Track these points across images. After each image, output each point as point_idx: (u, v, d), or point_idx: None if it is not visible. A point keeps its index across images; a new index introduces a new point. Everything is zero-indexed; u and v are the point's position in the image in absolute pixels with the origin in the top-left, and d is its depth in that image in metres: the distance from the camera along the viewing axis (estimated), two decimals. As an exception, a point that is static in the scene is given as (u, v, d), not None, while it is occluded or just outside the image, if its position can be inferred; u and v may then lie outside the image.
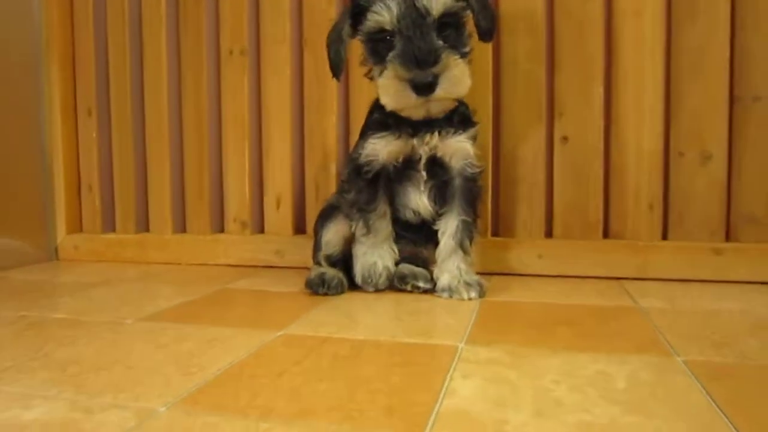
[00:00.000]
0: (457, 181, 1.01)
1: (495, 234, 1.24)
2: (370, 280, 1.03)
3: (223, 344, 0.76)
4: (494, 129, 1.22)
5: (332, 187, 1.28)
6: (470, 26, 0.97)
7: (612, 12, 1.15)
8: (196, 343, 0.76)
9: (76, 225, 1.55)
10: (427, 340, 0.76)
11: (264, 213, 1.38)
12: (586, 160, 1.17)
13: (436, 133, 0.98)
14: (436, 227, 1.02)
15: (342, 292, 1.04)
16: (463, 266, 1.00)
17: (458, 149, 0.99)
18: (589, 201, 1.17)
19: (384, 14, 0.90)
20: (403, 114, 0.96)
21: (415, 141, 0.98)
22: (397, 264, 1.06)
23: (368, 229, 1.03)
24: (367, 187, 1.02)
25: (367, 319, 0.88)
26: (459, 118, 1.00)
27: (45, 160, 1.51)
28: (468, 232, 1.01)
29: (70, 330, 0.84)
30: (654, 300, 0.96)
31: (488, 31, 0.97)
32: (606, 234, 1.18)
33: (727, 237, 1.12)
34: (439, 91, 0.89)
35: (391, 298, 1.02)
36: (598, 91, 1.16)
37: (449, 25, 0.91)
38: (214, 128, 1.41)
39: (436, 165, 1.01)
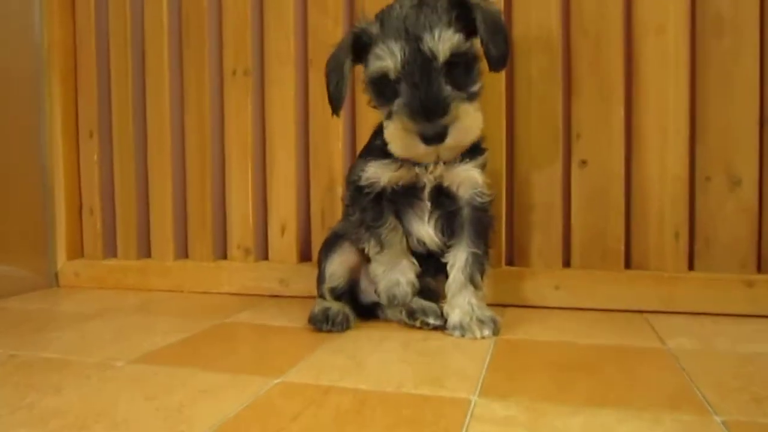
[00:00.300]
0: (466, 211, 0.95)
1: (509, 263, 1.17)
2: (395, 300, 0.96)
3: (215, 395, 0.70)
4: (508, 152, 1.16)
5: (338, 213, 1.23)
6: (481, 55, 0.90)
7: (632, 28, 1.09)
8: (188, 393, 0.71)
9: (77, 250, 1.51)
10: (437, 391, 0.70)
11: (268, 239, 1.33)
12: (606, 185, 1.11)
13: (441, 162, 0.92)
14: (444, 260, 0.96)
15: (347, 328, 0.99)
16: (474, 301, 0.94)
17: (466, 178, 0.93)
18: (610, 229, 1.10)
19: (387, 60, 0.84)
20: (412, 160, 0.91)
21: (417, 170, 0.93)
22: (418, 277, 1.00)
23: (382, 245, 0.96)
24: (372, 205, 0.96)
25: (373, 362, 0.82)
26: None
27: (45, 183, 1.47)
28: (479, 265, 0.94)
29: (58, 374, 0.79)
30: (683, 339, 0.89)
31: (500, 59, 0.88)
32: (628, 264, 1.11)
33: (759, 268, 1.04)
34: (449, 141, 0.84)
35: (399, 335, 0.95)
36: (618, 111, 1.10)
37: (458, 64, 0.84)
38: (217, 151, 1.37)
39: (443, 194, 0.95)
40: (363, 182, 0.95)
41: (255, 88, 1.32)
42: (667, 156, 1.07)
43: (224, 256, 1.38)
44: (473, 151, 0.94)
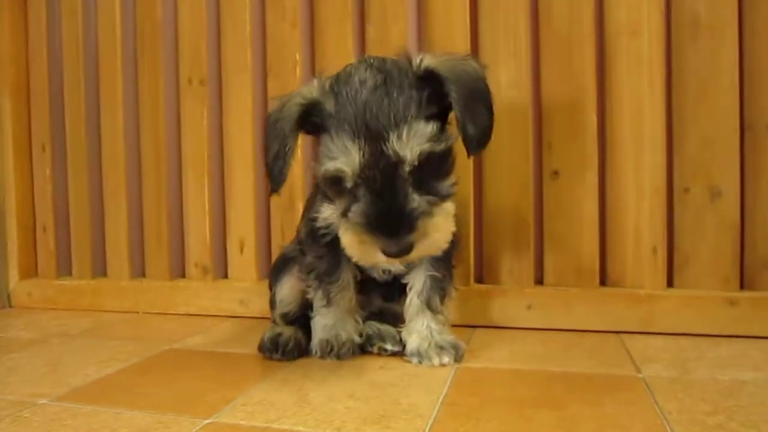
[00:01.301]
0: None
1: (479, 281, 1.10)
2: (330, 350, 0.88)
3: (133, 441, 0.63)
4: (476, 164, 1.09)
5: (299, 229, 1.15)
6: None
7: (604, 31, 1.03)
8: (103, 439, 0.63)
9: (31, 269, 1.43)
10: (380, 434, 0.62)
11: (227, 257, 1.26)
12: (580, 198, 1.04)
13: None
14: (404, 281, 0.89)
15: (300, 355, 0.91)
16: (434, 326, 0.87)
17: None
18: (584, 244, 1.04)
19: (342, 163, 0.69)
20: None
21: None
22: (364, 321, 0.93)
23: (329, 302, 0.89)
24: (328, 254, 0.87)
25: (318, 397, 0.74)
26: None
27: (-4, 200, 1.40)
28: (438, 289, 0.87)
29: (-33, 416, 0.71)
30: (659, 365, 0.82)
31: (481, 140, 0.73)
32: (603, 281, 1.05)
33: (742, 284, 0.98)
34: (415, 254, 0.71)
35: (354, 364, 0.88)
36: (591, 119, 1.03)
37: (431, 162, 0.71)
38: (174, 164, 1.30)
39: None
40: (319, 223, 0.86)
41: (212, 98, 1.25)
42: (643, 166, 1.01)
43: (182, 275, 1.31)
44: None
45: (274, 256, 1.20)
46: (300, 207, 1.18)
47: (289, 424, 0.66)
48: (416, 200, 0.70)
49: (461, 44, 1.07)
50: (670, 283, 1.01)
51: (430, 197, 0.71)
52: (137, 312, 1.30)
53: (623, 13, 1.01)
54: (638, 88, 1.01)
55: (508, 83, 1.07)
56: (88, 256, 1.36)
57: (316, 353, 0.90)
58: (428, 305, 0.86)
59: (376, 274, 0.91)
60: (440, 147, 0.71)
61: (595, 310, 1.01)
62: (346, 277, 0.90)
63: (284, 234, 1.20)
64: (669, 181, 1.01)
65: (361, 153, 0.68)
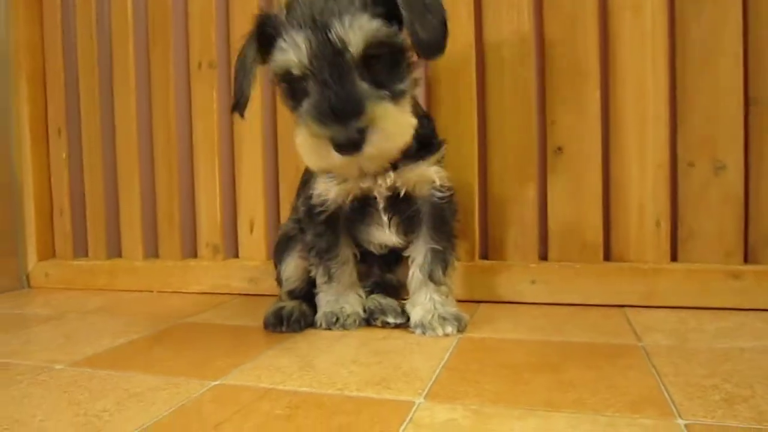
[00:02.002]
0: (424, 209, 0.88)
1: (483, 257, 1.12)
2: (336, 320, 0.91)
3: (143, 400, 0.65)
4: (480, 140, 1.10)
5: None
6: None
7: (607, 6, 1.03)
8: (116, 398, 0.66)
9: (48, 251, 1.47)
10: (379, 393, 0.64)
11: (237, 237, 1.28)
12: (583, 173, 1.04)
13: (390, 171, 0.83)
14: (405, 254, 0.91)
15: (306, 326, 0.93)
16: (437, 298, 0.88)
17: (421, 178, 0.86)
18: (588, 219, 1.04)
19: (290, 54, 0.71)
20: (334, 173, 0.82)
21: (365, 183, 0.85)
22: (366, 294, 0.95)
23: (330, 278, 0.92)
24: (326, 232, 0.90)
25: (322, 363, 0.76)
26: (418, 141, 0.82)
27: (15, 183, 1.44)
28: (440, 261, 0.88)
29: (-11, 378, 0.75)
30: (659, 335, 0.83)
31: (432, 45, 0.73)
32: (607, 256, 1.05)
33: (746, 258, 0.98)
34: (368, 149, 0.70)
35: (358, 334, 0.90)
36: (594, 95, 1.03)
37: (379, 57, 0.72)
38: (185, 147, 1.32)
39: (399, 200, 0.87)
40: (314, 200, 0.89)
41: (221, 81, 1.28)
42: (646, 141, 1.01)
43: (194, 254, 1.34)
44: (427, 147, 0.86)
45: (283, 235, 1.23)
46: (308, 186, 1.20)
47: (293, 385, 0.68)
48: (363, 87, 0.70)
49: (465, 19, 1.08)
50: (673, 258, 1.02)
51: (382, 91, 0.71)
52: (151, 291, 1.33)
53: (627, -13, 1.02)
54: (641, 63, 1.01)
55: (511, 60, 1.07)
56: (103, 238, 1.40)
57: (321, 325, 0.92)
58: (430, 277, 0.87)
59: (374, 249, 0.93)
60: (388, 35, 0.71)
61: (599, 285, 1.01)
62: (345, 252, 0.92)
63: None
64: (673, 155, 1.01)
65: (308, 43, 0.70)
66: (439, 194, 0.87)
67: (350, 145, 0.70)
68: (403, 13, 0.72)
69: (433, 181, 0.86)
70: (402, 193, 0.86)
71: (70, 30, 1.42)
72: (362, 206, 0.89)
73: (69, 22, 1.43)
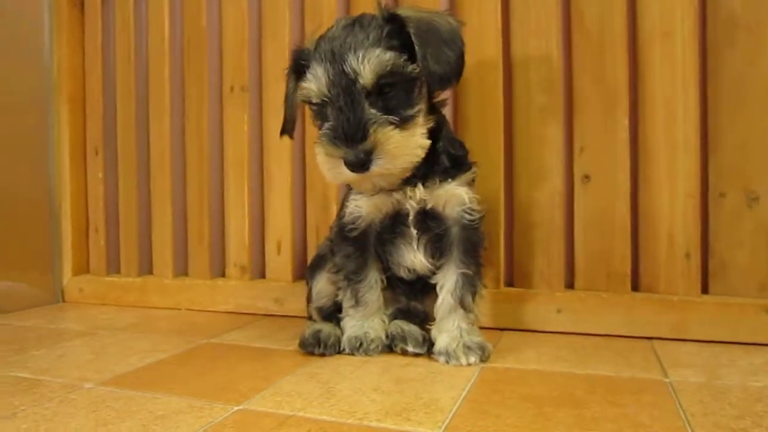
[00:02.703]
0: (454, 231, 0.89)
1: (509, 285, 1.11)
2: (359, 346, 0.91)
3: (169, 423, 0.66)
4: (506, 167, 1.10)
5: (333, 231, 1.19)
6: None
7: (637, 33, 1.03)
8: (141, 420, 0.68)
9: (83, 266, 1.51)
10: (399, 425, 0.64)
11: (265, 257, 1.30)
12: (611, 202, 1.03)
13: (419, 185, 0.86)
14: (433, 281, 0.91)
15: (338, 351, 0.94)
16: (464, 326, 0.88)
17: (451, 197, 0.88)
18: (615, 248, 1.03)
19: (312, 84, 0.80)
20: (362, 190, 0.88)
21: (397, 196, 0.88)
22: (390, 320, 0.96)
23: (357, 302, 0.93)
24: (355, 253, 0.92)
25: (344, 389, 0.77)
26: (449, 160, 0.88)
27: (53, 200, 1.49)
28: (470, 286, 0.88)
29: (22, 395, 0.77)
30: (688, 371, 0.81)
31: (444, 78, 0.79)
32: (635, 287, 1.04)
33: (781, 292, 0.95)
34: (375, 168, 0.78)
35: (381, 360, 0.90)
36: (623, 123, 1.03)
37: (393, 85, 0.79)
38: (216, 168, 1.36)
39: (429, 218, 0.89)
40: (347, 218, 0.92)
41: (252, 105, 1.31)
42: (677, 170, 1.00)
43: (222, 274, 1.36)
44: (457, 167, 0.89)
45: (310, 257, 1.24)
46: (334, 209, 1.21)
47: (314, 413, 0.68)
48: (372, 113, 0.78)
49: (492, 47, 1.09)
50: (704, 290, 1.00)
51: (390, 117, 0.78)
52: (179, 309, 1.36)
53: (656, 14, 1.01)
54: (672, 91, 1.00)
55: (539, 87, 1.07)
56: (136, 255, 1.44)
57: (344, 350, 0.93)
58: (461, 303, 0.87)
59: (403, 273, 0.94)
60: (398, 66, 0.78)
61: (626, 316, 1.00)
62: (373, 276, 0.93)
63: (319, 235, 1.23)
64: (704, 185, 0.99)
65: (327, 74, 0.79)
66: (469, 216, 0.88)
67: (358, 165, 0.78)
68: (416, 46, 0.78)
69: (463, 201, 0.88)
70: (431, 210, 0.88)
71: (110, 54, 1.48)
72: (393, 224, 0.91)
73: (109, 47, 1.48)
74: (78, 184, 1.50)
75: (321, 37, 0.84)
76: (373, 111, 0.78)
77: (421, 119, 0.82)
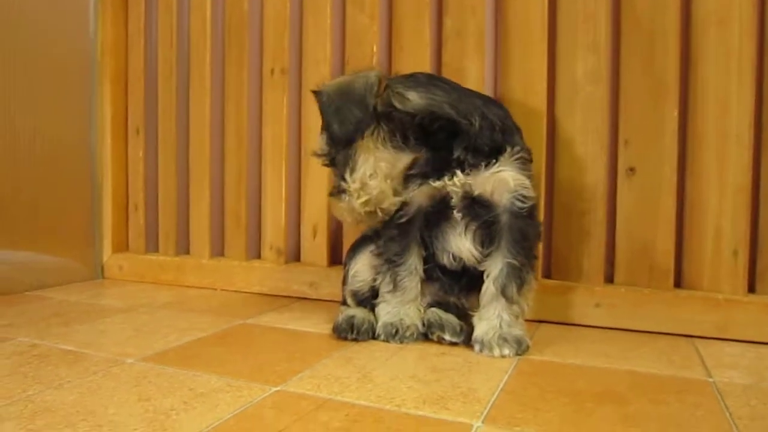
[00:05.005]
0: (504, 218, 0.87)
1: (546, 276, 1.09)
2: (395, 333, 0.91)
3: (209, 401, 0.68)
4: (548, 159, 1.08)
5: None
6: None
7: (690, 21, 0.99)
8: (182, 397, 0.69)
9: (123, 244, 1.55)
10: (438, 413, 0.64)
11: (300, 241, 1.31)
12: (657, 196, 1.00)
13: (457, 172, 0.86)
14: (481, 268, 0.89)
15: (372, 337, 0.94)
16: (505, 316, 0.86)
17: (497, 182, 0.86)
18: (659, 243, 1.00)
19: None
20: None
21: (437, 183, 0.87)
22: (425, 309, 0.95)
23: (395, 286, 0.92)
24: (399, 236, 0.91)
25: (380, 375, 0.77)
26: (490, 141, 0.86)
27: (94, 178, 1.52)
28: (516, 277, 0.86)
29: (67, 368, 0.79)
30: (733, 372, 0.79)
31: (346, 138, 0.86)
32: (678, 283, 1.01)
33: (834, 294, 0.92)
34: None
35: (417, 347, 0.90)
36: (672, 115, 0.99)
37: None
38: (254, 151, 1.36)
39: (477, 204, 0.87)
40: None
41: (292, 87, 1.31)
42: (727, 164, 0.96)
43: (258, 255, 1.38)
44: (499, 149, 0.86)
45: (345, 242, 1.25)
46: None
47: (351, 397, 0.69)
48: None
49: (538, 35, 1.06)
50: (751, 289, 0.96)
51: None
52: (215, 289, 1.38)
53: (711, 1, 0.97)
54: (725, 81, 0.96)
55: (584, 77, 1.04)
56: (174, 235, 1.46)
57: (380, 336, 0.93)
58: (503, 293, 0.85)
59: (446, 261, 0.92)
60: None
61: (668, 313, 0.97)
62: (414, 262, 0.92)
63: (354, 221, 1.23)
64: (755, 180, 0.96)
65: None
66: (519, 204, 0.86)
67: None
68: (321, 116, 0.88)
69: (510, 187, 0.85)
70: (479, 197, 0.87)
71: (152, 34, 1.50)
72: (440, 210, 0.90)
73: (151, 27, 1.50)
74: (119, 163, 1.53)
75: None
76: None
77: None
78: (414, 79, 0.89)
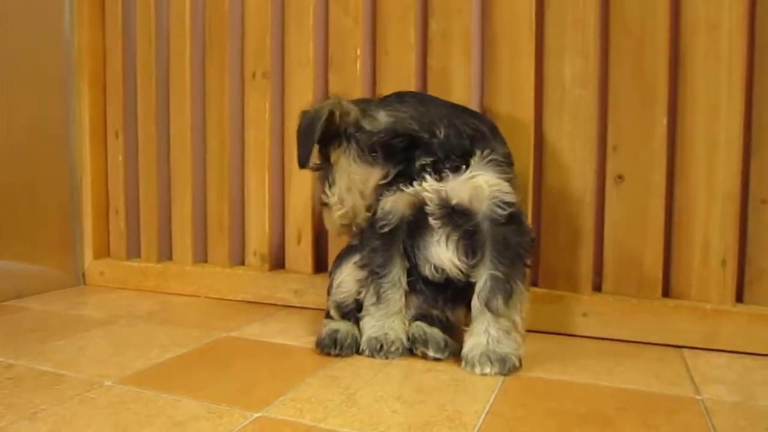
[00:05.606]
0: (485, 226, 0.84)
1: (533, 285, 1.08)
2: (380, 348, 0.90)
3: (188, 429, 0.66)
4: (535, 165, 1.06)
5: (354, 223, 1.16)
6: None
7: (680, 26, 0.97)
8: (160, 426, 0.67)
9: (104, 250, 1.52)
10: (422, 442, 0.63)
11: (285, 247, 1.29)
12: (644, 203, 0.99)
13: (427, 177, 0.86)
14: (473, 280, 0.87)
15: (355, 351, 0.93)
16: (492, 332, 0.84)
17: (473, 188, 0.83)
18: (647, 252, 0.99)
19: None
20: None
21: (410, 190, 0.87)
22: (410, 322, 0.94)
23: (378, 299, 0.91)
24: (382, 247, 0.90)
25: (365, 397, 0.75)
26: (459, 146, 0.86)
27: (74, 183, 1.49)
28: (500, 290, 0.83)
29: (43, 392, 0.77)
30: (720, 387, 0.78)
31: (302, 159, 0.90)
32: (666, 293, 1.00)
33: (821, 304, 0.91)
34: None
35: (401, 363, 0.89)
36: (662, 120, 0.98)
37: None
38: (237, 154, 1.34)
39: (456, 213, 0.85)
40: (379, 213, 0.90)
41: (274, 91, 1.28)
42: (716, 171, 0.95)
43: (241, 262, 1.35)
44: (471, 154, 0.85)
45: (331, 249, 1.22)
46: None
47: (335, 424, 0.67)
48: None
49: (526, 37, 1.04)
50: (739, 299, 0.96)
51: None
52: (198, 296, 1.35)
53: (701, 5, 0.95)
54: (715, 87, 0.95)
55: (572, 81, 1.02)
56: (156, 240, 1.43)
57: (364, 351, 0.91)
58: (488, 306, 0.83)
59: (428, 272, 0.90)
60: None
61: (656, 323, 0.96)
62: (397, 273, 0.90)
63: (340, 227, 1.21)
64: (744, 188, 0.95)
65: None
66: (499, 210, 0.83)
67: None
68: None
69: (485, 193, 0.83)
70: (458, 205, 0.85)
71: (131, 36, 1.45)
72: (420, 219, 0.88)
73: (129, 28, 1.45)
74: (99, 167, 1.49)
75: None
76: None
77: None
78: (389, 99, 0.92)
